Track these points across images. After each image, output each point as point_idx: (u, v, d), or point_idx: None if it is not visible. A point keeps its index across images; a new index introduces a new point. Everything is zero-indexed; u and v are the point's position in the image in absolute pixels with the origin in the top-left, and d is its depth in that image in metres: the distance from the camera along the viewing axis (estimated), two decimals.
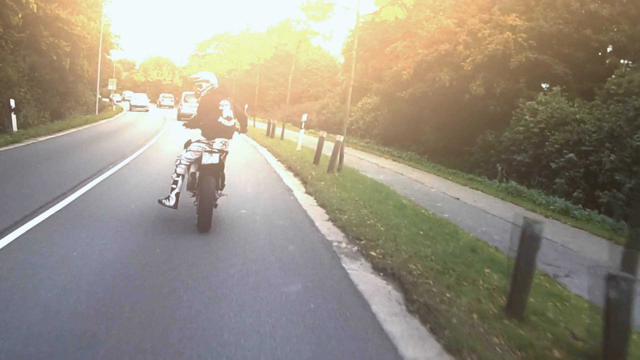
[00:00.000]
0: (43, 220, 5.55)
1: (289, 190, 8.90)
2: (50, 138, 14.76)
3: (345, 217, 6.80)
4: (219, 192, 6.07)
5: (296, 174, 10.77)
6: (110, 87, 42.03)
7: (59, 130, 16.91)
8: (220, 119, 5.72)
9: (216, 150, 5.66)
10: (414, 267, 5.01)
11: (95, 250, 4.72)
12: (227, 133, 5.80)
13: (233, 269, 4.60)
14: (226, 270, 4.54)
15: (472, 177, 18.98)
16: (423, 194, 12.72)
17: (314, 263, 5.03)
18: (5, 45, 18.62)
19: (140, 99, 45.83)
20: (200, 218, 5.57)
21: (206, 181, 5.57)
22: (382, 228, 6.40)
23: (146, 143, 14.95)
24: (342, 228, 6.36)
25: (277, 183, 9.72)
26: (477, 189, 15.81)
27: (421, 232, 6.64)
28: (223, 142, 5.73)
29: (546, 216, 12.86)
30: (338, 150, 11.14)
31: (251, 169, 11.63)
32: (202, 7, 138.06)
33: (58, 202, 6.42)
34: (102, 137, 16.71)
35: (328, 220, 6.82)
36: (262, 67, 35.93)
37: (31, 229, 5.21)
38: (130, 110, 41.93)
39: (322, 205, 7.64)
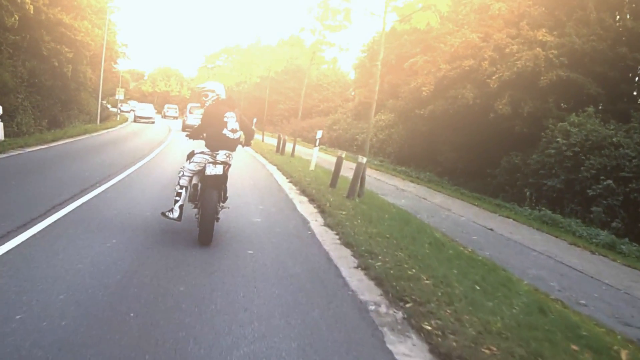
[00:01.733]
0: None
1: (305, 222, 7.43)
2: (40, 149, 13.39)
3: (379, 263, 5.36)
4: (221, 204, 5.92)
5: (311, 199, 9.32)
6: (117, 96, 40.64)
7: (52, 141, 15.56)
8: (225, 131, 5.57)
9: (220, 162, 5.53)
10: (488, 352, 3.56)
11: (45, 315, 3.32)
12: (231, 145, 5.67)
13: (236, 352, 3.17)
14: (226, 357, 3.10)
15: (500, 202, 17.52)
16: (453, 223, 11.28)
17: (348, 343, 3.55)
18: (3, 49, 17.51)
19: (146, 109, 41.15)
20: (201, 231, 5.44)
21: (208, 194, 5.44)
22: (428, 281, 4.95)
23: (143, 158, 13.58)
24: (378, 281, 4.91)
25: (290, 212, 8.24)
26: (507, 217, 14.37)
27: (477, 287, 5.19)
28: (227, 155, 5.61)
29: (591, 252, 11.38)
30: (360, 173, 9.71)
31: (259, 191, 10.20)
32: (212, 19, 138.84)
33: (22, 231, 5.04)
34: (98, 149, 15.35)
35: (357, 267, 5.38)
36: (272, 81, 34.71)
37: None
38: (135, 121, 38.38)
39: (347, 245, 6.21)
